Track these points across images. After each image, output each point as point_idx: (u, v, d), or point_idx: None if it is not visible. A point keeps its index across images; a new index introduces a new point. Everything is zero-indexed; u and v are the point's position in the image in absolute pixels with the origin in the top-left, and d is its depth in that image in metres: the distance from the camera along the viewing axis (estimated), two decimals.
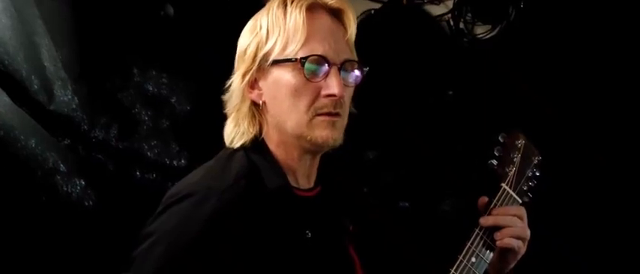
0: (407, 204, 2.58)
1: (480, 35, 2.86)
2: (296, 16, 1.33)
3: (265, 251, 1.30)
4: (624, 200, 2.50)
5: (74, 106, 1.97)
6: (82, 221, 1.93)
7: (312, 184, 1.45)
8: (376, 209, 2.27)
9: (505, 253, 1.49)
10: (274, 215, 1.33)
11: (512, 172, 1.52)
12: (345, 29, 1.41)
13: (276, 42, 1.33)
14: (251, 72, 1.36)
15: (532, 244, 1.51)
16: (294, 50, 1.33)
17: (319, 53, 1.34)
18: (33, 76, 1.88)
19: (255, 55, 1.35)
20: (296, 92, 1.34)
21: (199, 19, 2.38)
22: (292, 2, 1.35)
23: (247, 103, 1.39)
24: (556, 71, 2.64)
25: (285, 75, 1.34)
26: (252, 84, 1.38)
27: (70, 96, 1.96)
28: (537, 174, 1.56)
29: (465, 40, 2.89)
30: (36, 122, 1.87)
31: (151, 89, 2.19)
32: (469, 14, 2.90)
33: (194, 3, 2.43)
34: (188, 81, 2.27)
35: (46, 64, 1.91)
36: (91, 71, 2.04)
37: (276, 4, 1.36)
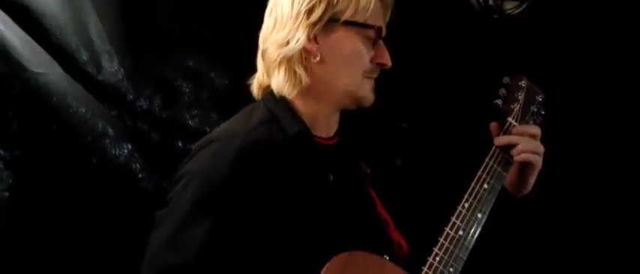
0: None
1: (509, 11, 2.92)
2: None
3: (290, 191, 1.40)
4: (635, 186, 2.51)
5: (120, 77, 2.12)
6: (129, 182, 2.08)
7: (331, 135, 1.56)
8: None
9: (523, 170, 1.58)
10: (296, 159, 1.43)
11: (517, 108, 1.61)
12: (387, 15, 1.54)
13: (348, 6, 1.45)
14: (317, 26, 1.44)
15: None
16: (363, 17, 1.46)
17: (381, 25, 1.49)
18: (82, 49, 2.04)
19: (325, 13, 1.44)
20: (358, 54, 1.47)
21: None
22: None
23: (301, 54, 1.46)
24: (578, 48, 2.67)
25: (351, 37, 1.47)
26: (312, 38, 1.46)
27: (116, 68, 2.11)
28: (542, 111, 1.64)
29: (495, 16, 2.95)
30: (86, 90, 2.02)
31: (191, 64, 2.33)
32: None
33: None
34: (226, 57, 2.40)
35: (93, 38, 2.07)
36: (135, 46, 2.18)
37: None
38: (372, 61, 1.49)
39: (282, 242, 1.38)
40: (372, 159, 1.68)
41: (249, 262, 1.38)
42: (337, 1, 1.44)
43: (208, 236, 1.34)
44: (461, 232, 1.47)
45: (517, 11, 2.91)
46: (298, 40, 1.44)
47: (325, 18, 1.44)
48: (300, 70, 1.46)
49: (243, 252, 1.37)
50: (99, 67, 2.07)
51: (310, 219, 1.41)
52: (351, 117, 1.60)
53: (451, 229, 1.48)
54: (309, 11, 1.44)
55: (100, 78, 2.07)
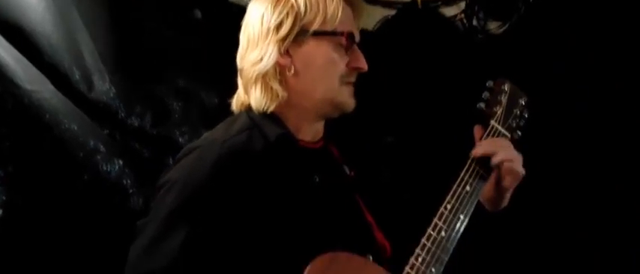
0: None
1: (492, 30, 3.00)
2: None
3: (273, 194, 1.43)
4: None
5: (112, 95, 2.16)
6: (120, 198, 2.11)
7: (316, 139, 1.60)
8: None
9: (500, 183, 1.58)
10: (280, 162, 1.47)
11: (499, 111, 1.63)
12: (359, 19, 1.59)
13: (315, 16, 1.48)
14: (288, 40, 1.49)
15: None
16: (332, 26, 1.50)
17: (352, 30, 1.53)
18: (74, 67, 2.07)
19: (293, 26, 1.48)
20: (332, 62, 1.51)
21: (224, 22, 2.57)
22: None
23: (276, 69, 1.51)
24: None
25: (323, 46, 1.50)
26: (285, 52, 1.51)
27: (108, 86, 2.15)
28: (525, 114, 1.66)
29: (479, 36, 3.03)
30: (77, 108, 2.06)
31: (181, 83, 2.38)
32: (481, 12, 3.04)
33: (219, 8, 2.63)
34: (215, 75, 2.44)
35: (85, 57, 2.11)
36: (126, 65, 2.23)
37: None
38: (347, 66, 1.52)
39: (265, 242, 1.41)
40: (356, 165, 1.70)
41: (231, 264, 1.40)
42: (305, 14, 1.48)
43: (185, 243, 1.37)
44: (443, 233, 1.49)
45: (500, 31, 3.00)
46: (270, 55, 1.48)
47: (294, 31, 1.48)
48: (275, 85, 1.50)
49: (224, 255, 1.40)
50: (90, 86, 2.11)
51: (295, 220, 1.44)
52: (337, 126, 1.64)
53: (433, 230, 1.50)
54: (278, 26, 1.48)
55: (91, 96, 2.11)
